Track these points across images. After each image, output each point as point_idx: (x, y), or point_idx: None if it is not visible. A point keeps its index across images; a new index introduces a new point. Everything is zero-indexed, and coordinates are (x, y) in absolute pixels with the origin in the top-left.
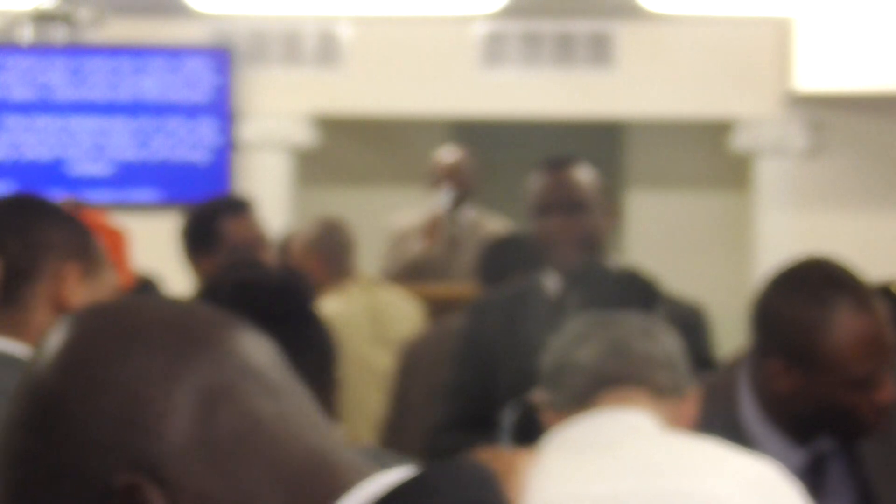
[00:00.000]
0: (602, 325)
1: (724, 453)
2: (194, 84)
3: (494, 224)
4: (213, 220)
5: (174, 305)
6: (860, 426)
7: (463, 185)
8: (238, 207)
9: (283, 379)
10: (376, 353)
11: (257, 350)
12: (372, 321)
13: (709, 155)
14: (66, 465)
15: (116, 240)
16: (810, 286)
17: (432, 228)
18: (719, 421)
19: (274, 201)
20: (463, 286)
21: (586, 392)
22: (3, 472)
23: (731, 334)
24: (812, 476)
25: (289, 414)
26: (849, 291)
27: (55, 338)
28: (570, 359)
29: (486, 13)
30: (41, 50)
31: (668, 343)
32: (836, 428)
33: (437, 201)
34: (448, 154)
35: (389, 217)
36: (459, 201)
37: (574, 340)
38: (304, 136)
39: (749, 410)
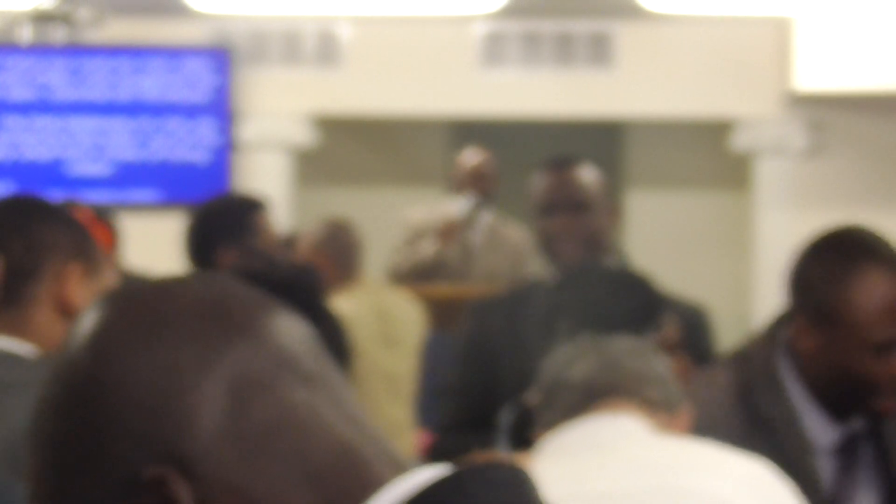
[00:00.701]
0: (593, 346)
1: (722, 454)
2: (194, 84)
3: (511, 229)
4: (246, 213)
5: (210, 287)
6: (877, 396)
7: (485, 188)
8: (263, 205)
9: (318, 367)
10: (384, 353)
11: (294, 336)
12: (379, 322)
13: (709, 155)
14: (93, 452)
15: (103, 238)
16: (842, 248)
17: (448, 232)
18: (763, 390)
19: (273, 201)
20: (476, 287)
21: (577, 405)
22: (32, 452)
23: (731, 334)
24: (844, 456)
25: (323, 405)
26: (879, 258)
27: (89, 319)
28: (561, 379)
29: (486, 13)
30: (41, 50)
31: (658, 364)
32: (854, 396)
33: (457, 205)
34: (471, 156)
35: (404, 212)
36: (479, 206)
37: (565, 362)
38: (303, 136)
39: (790, 381)
